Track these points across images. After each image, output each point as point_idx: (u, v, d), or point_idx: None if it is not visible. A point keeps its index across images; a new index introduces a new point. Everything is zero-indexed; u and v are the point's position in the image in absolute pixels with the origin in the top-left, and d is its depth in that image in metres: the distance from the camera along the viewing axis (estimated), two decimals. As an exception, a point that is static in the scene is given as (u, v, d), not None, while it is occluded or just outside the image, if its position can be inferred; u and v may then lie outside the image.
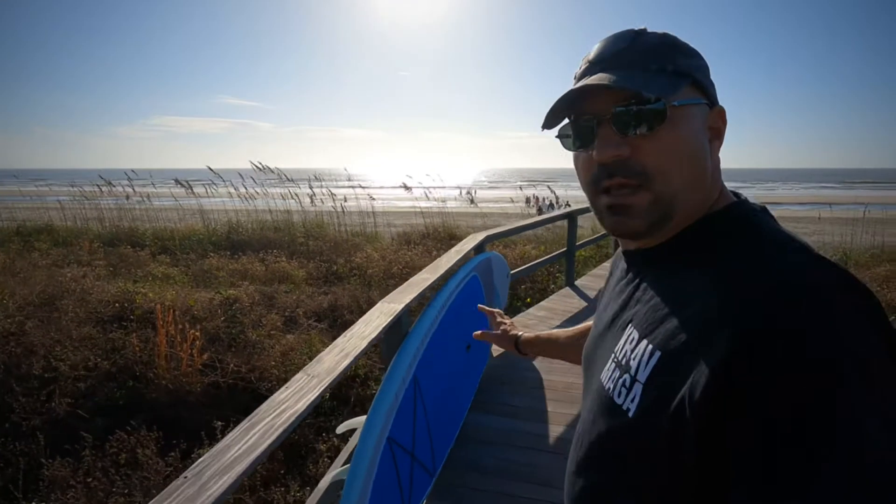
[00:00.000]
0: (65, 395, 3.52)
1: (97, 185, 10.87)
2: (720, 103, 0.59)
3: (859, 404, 0.39)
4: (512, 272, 4.08)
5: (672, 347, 0.49)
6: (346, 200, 10.45)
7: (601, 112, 0.55)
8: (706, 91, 0.58)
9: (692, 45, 0.59)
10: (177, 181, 9.92)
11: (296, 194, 10.47)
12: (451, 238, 8.14)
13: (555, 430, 2.55)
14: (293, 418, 1.17)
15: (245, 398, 3.77)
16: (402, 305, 1.98)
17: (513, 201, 16.77)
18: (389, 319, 1.83)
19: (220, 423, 3.25)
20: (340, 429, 1.63)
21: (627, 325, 0.58)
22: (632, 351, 0.54)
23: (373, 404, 1.61)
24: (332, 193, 10.12)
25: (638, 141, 0.54)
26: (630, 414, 0.52)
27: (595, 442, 0.58)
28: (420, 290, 2.21)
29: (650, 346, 0.52)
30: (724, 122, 0.59)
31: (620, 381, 0.54)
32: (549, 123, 0.60)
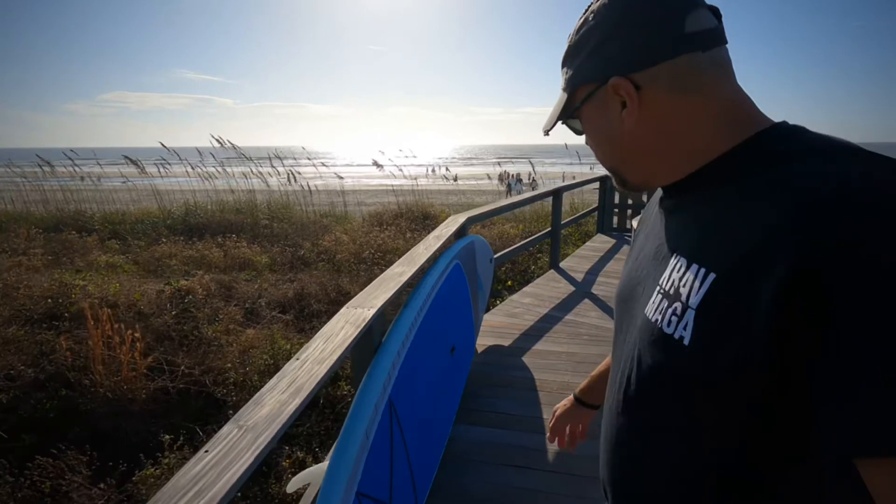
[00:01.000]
0: (-19, 411, 3.02)
1: (39, 166, 9.93)
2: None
3: None
4: (496, 256, 3.73)
5: (729, 266, 0.48)
6: (318, 179, 9.86)
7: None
8: (598, 73, 0.59)
9: (603, 8, 0.59)
10: (127, 159, 9.12)
11: (259, 172, 9.82)
12: (426, 218, 7.72)
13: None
14: (210, 508, 0.78)
15: (198, 404, 3.34)
16: (374, 311, 1.59)
17: (489, 178, 16.41)
18: (357, 330, 1.44)
19: (168, 436, 2.83)
20: (291, 486, 1.24)
21: (673, 255, 0.57)
22: (680, 278, 0.53)
23: (334, 449, 1.23)
24: (293, 172, 9.49)
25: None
26: (685, 341, 0.50)
27: (646, 379, 0.57)
28: (395, 288, 1.83)
29: (702, 270, 0.51)
30: (625, 88, 0.58)
31: (670, 310, 0.53)
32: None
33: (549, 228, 5.00)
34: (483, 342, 3.19)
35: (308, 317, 4.44)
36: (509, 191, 17.43)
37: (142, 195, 9.82)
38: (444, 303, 2.22)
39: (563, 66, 0.64)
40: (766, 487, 0.50)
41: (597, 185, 6.74)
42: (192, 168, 9.91)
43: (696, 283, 0.50)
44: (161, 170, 9.88)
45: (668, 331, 0.53)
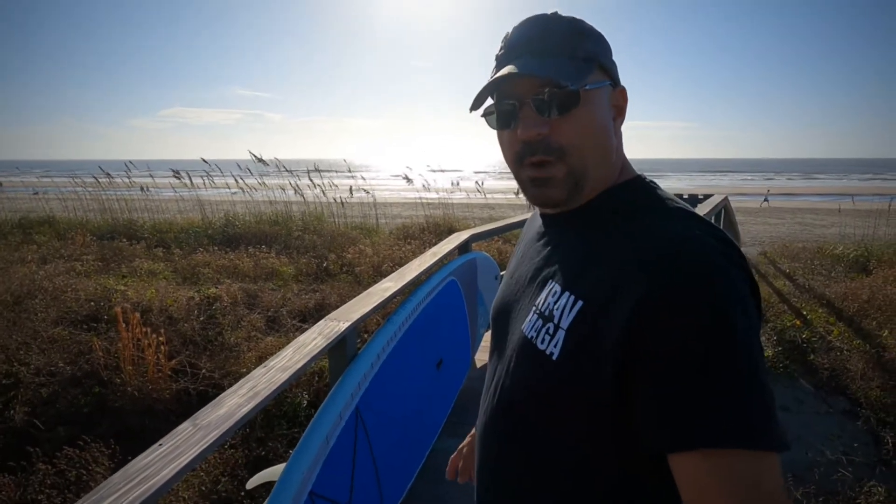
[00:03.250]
0: (25, 403, 3.33)
1: (95, 177, 10.73)
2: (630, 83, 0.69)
3: (743, 341, 0.49)
4: (503, 273, 3.78)
5: (592, 298, 0.57)
6: (351, 192, 10.17)
7: (522, 95, 0.61)
8: (609, 72, 0.65)
9: (597, 30, 0.64)
10: (174, 172, 9.73)
11: (296, 185, 10.23)
12: (451, 231, 7.82)
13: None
14: (151, 492, 0.90)
15: (216, 406, 3.54)
16: (349, 324, 1.70)
17: (515, 194, 16.33)
18: (327, 342, 1.55)
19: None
20: (251, 483, 1.36)
21: (549, 281, 0.64)
22: (555, 302, 0.60)
23: (294, 453, 1.33)
24: (331, 184, 9.83)
25: (555, 121, 0.61)
26: (554, 357, 0.58)
27: (516, 386, 0.64)
28: (376, 303, 1.93)
29: (572, 297, 0.58)
30: (626, 100, 0.66)
31: (544, 329, 0.60)
32: (475, 105, 0.65)
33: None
34: (483, 357, 3.24)
35: (326, 326, 4.62)
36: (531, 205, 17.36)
37: (188, 206, 10.43)
38: (433, 318, 2.31)
39: (569, 37, 0.62)
40: (626, 487, 0.58)
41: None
42: (235, 181, 10.45)
43: (567, 308, 0.58)
44: (208, 182, 10.45)
45: (542, 347, 0.60)
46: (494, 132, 0.68)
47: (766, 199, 21.92)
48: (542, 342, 0.60)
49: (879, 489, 2.44)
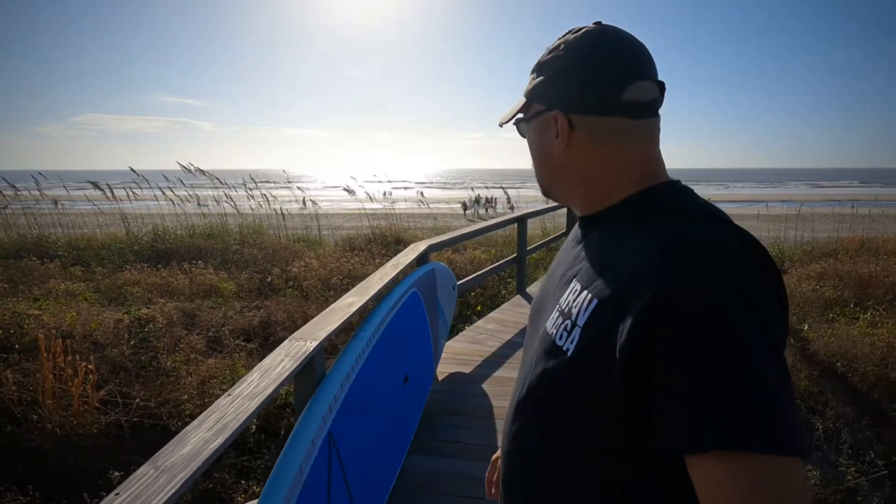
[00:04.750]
0: (-82, 450, 2.87)
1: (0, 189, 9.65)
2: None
3: (753, 342, 0.49)
4: (459, 283, 3.76)
5: (606, 296, 0.58)
6: (295, 203, 9.81)
7: None
8: (548, 99, 0.69)
9: (563, 51, 0.68)
10: (92, 183, 8.95)
11: (229, 197, 9.73)
12: (398, 242, 7.74)
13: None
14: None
15: (152, 437, 3.23)
16: (316, 343, 1.59)
17: (463, 203, 16.59)
18: (296, 364, 1.45)
19: (118, 472, 2.73)
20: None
21: (573, 280, 0.66)
22: (574, 300, 0.63)
23: (266, 486, 1.22)
24: (267, 196, 9.44)
25: None
26: (569, 353, 0.60)
27: (535, 381, 0.65)
28: (342, 319, 1.83)
29: (589, 295, 0.60)
30: (558, 123, 0.68)
31: (563, 326, 0.62)
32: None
33: (515, 255, 5.07)
34: (444, 369, 3.19)
35: (273, 345, 4.36)
36: (465, 210, 18.21)
37: (110, 219, 9.61)
38: (398, 332, 2.24)
39: (531, 73, 0.73)
40: (640, 487, 0.58)
41: (565, 209, 6.89)
42: (163, 192, 9.78)
43: (584, 307, 0.60)
44: (130, 193, 9.71)
45: (560, 343, 0.62)
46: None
47: None
48: (561, 339, 0.62)
49: (815, 473, 2.63)
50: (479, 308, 5.39)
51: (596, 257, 0.65)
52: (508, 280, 6.28)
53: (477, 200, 19.50)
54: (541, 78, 0.70)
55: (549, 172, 0.72)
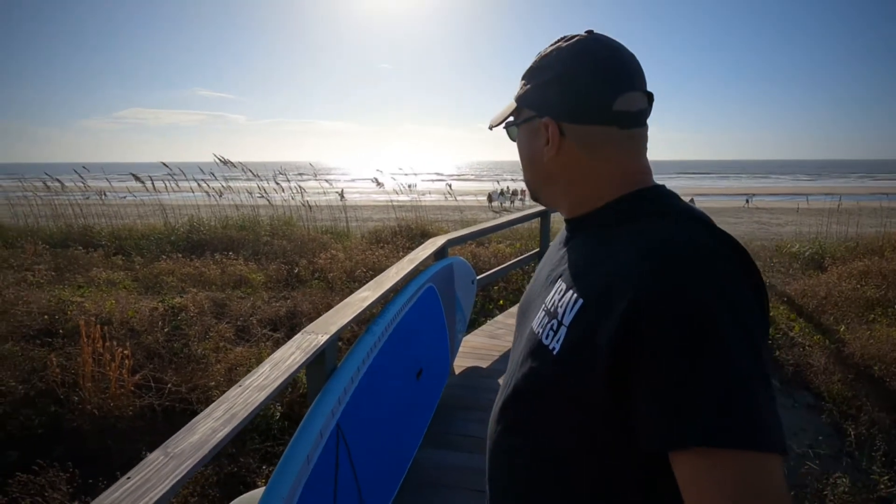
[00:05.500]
0: (-29, 426, 3.10)
1: (44, 181, 10.18)
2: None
3: (732, 342, 0.50)
4: (479, 277, 3.76)
5: (590, 296, 0.60)
6: (324, 195, 9.97)
7: None
8: (538, 105, 0.70)
9: (555, 59, 0.69)
10: (133, 175, 9.33)
11: (263, 189, 9.97)
12: (424, 235, 7.77)
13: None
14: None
15: (183, 420, 3.37)
16: (328, 336, 1.64)
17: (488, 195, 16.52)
18: (306, 357, 1.49)
19: (150, 454, 2.87)
20: (227, 511, 1.28)
21: (557, 280, 0.68)
22: (560, 300, 0.64)
23: (273, 474, 1.27)
24: (298, 187, 9.63)
25: None
26: (554, 352, 0.61)
27: (521, 381, 0.66)
28: (355, 313, 1.87)
29: (574, 295, 0.62)
30: (548, 130, 0.69)
31: (549, 325, 0.64)
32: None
33: (538, 249, 5.03)
34: (461, 363, 3.21)
35: (298, 335, 4.49)
36: (490, 201, 18.22)
37: (150, 210, 10.02)
38: (412, 326, 2.27)
39: (522, 79, 0.74)
40: (624, 485, 0.59)
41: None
42: (199, 184, 10.11)
43: (570, 306, 0.62)
44: (168, 185, 10.07)
45: (546, 342, 0.63)
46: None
47: (748, 200, 22.67)
48: (547, 338, 0.63)
49: (844, 480, 2.53)
50: (501, 302, 5.39)
51: (581, 258, 0.67)
52: (532, 274, 6.24)
53: (502, 192, 19.47)
54: (531, 84, 0.71)
55: (537, 176, 0.74)
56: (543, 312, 0.67)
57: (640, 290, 0.53)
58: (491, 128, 0.79)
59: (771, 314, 4.57)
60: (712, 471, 0.48)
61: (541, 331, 0.65)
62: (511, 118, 0.75)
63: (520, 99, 0.73)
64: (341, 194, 9.77)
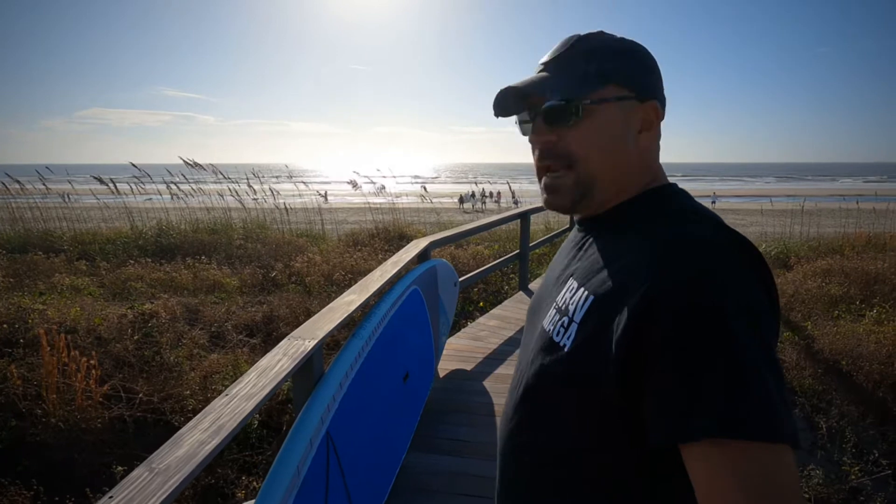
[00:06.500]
0: (-77, 443, 2.90)
1: (3, 182, 9.70)
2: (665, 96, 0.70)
3: (744, 337, 0.50)
4: (461, 279, 3.75)
5: (602, 293, 0.60)
6: (299, 197, 9.79)
7: (535, 107, 0.68)
8: (633, 87, 0.66)
9: (635, 47, 0.68)
10: (95, 178, 8.97)
11: (235, 191, 9.74)
12: (401, 238, 7.73)
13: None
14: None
15: (156, 431, 3.26)
16: (315, 342, 1.59)
17: (461, 197, 16.64)
18: (294, 363, 1.44)
19: (121, 467, 2.76)
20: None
21: (569, 278, 0.68)
22: (571, 297, 0.64)
23: (263, 487, 1.21)
24: (271, 190, 9.44)
25: (563, 131, 0.66)
26: (566, 349, 0.61)
27: (533, 378, 0.66)
28: (342, 318, 1.83)
29: (585, 292, 0.62)
30: (656, 114, 0.68)
31: (560, 322, 0.64)
32: (503, 113, 0.71)
33: (518, 251, 5.05)
34: (445, 366, 3.19)
35: (276, 340, 4.38)
36: (461, 203, 18.73)
37: (115, 214, 9.65)
38: (398, 329, 2.23)
39: (586, 55, 0.66)
40: (636, 481, 0.59)
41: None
42: (168, 186, 9.79)
43: (581, 303, 0.62)
44: (134, 188, 9.73)
45: (557, 339, 0.63)
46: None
47: (713, 202, 23.65)
48: (558, 335, 0.63)
49: (818, 472, 2.61)
50: (481, 304, 5.38)
51: (594, 257, 0.66)
52: (511, 276, 6.26)
53: (472, 194, 19.95)
54: (613, 62, 0.65)
55: (611, 165, 0.66)
56: (555, 310, 0.67)
57: (652, 285, 0.53)
58: (555, 99, 0.65)
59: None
60: (725, 462, 0.48)
61: (552, 328, 0.65)
62: (589, 94, 0.64)
63: (605, 73, 0.65)
64: (325, 196, 9.64)
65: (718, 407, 0.48)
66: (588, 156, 0.65)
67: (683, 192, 0.68)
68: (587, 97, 0.64)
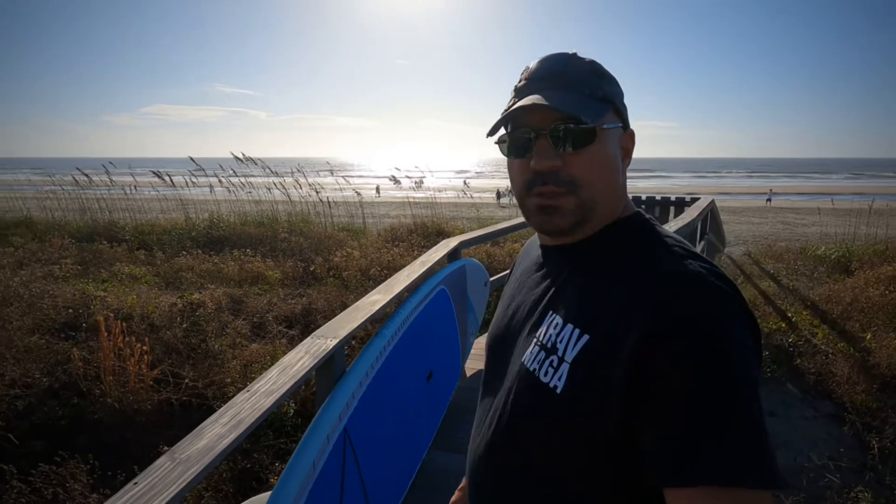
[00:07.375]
0: (-2, 416, 3.21)
1: (73, 176, 10.46)
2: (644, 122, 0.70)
3: (742, 380, 0.50)
4: (494, 278, 3.74)
5: (597, 332, 0.57)
6: (341, 191, 10.05)
7: (539, 127, 0.63)
8: (622, 115, 0.67)
9: (612, 73, 0.68)
10: (155, 173, 9.53)
11: (282, 185, 10.09)
12: (439, 234, 7.78)
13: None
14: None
15: (199, 416, 3.44)
16: (337, 341, 1.65)
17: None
18: (315, 362, 1.50)
19: (167, 447, 2.94)
20: (234, 514, 1.30)
21: (549, 312, 0.65)
22: (557, 334, 0.61)
23: (279, 480, 1.28)
24: (316, 185, 9.71)
25: (569, 155, 0.63)
26: (557, 391, 0.58)
27: (517, 419, 0.63)
28: (365, 317, 1.88)
29: (577, 330, 0.59)
30: (633, 142, 0.69)
31: (547, 361, 0.60)
32: (493, 132, 0.68)
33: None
34: (473, 366, 3.21)
35: (313, 332, 4.53)
36: (498, 198, 18.68)
37: (173, 205, 10.22)
38: (423, 329, 2.26)
39: (588, 80, 0.65)
40: None
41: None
42: (220, 180, 10.27)
43: (572, 342, 0.59)
44: (188, 181, 10.26)
45: (545, 380, 0.60)
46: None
47: (768, 199, 22.59)
48: (546, 375, 0.60)
49: (866, 494, 2.46)
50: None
51: (579, 289, 0.64)
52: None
53: (510, 190, 19.73)
54: (612, 88, 0.66)
55: (609, 191, 0.66)
56: (538, 347, 0.63)
57: (653, 326, 0.53)
58: (559, 112, 0.61)
59: (793, 320, 4.47)
60: None
61: (537, 367, 0.62)
62: (605, 120, 0.64)
63: (609, 97, 0.65)
64: (377, 190, 9.83)
65: (718, 454, 0.48)
66: (592, 181, 0.63)
67: (654, 220, 0.68)
68: (602, 121, 0.63)
